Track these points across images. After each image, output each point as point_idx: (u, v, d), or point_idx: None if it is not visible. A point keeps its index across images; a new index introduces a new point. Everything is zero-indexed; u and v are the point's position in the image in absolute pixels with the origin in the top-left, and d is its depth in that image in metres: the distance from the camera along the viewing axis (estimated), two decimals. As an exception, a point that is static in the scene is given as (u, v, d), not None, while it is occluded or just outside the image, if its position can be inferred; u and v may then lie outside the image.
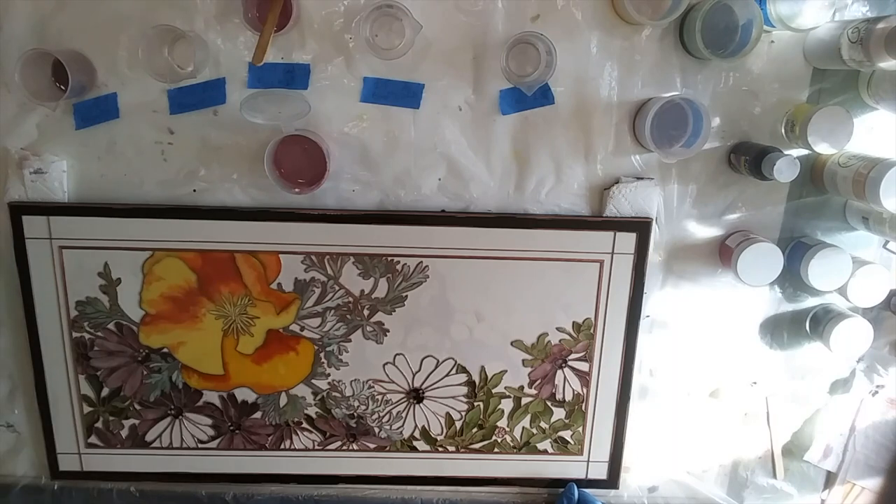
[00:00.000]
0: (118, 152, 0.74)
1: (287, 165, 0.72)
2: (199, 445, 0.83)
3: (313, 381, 0.81)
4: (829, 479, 0.87)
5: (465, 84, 0.72)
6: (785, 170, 0.68)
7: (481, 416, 0.83)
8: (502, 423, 0.83)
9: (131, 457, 0.83)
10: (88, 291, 0.77)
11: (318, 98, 0.72)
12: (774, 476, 0.87)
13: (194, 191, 0.75)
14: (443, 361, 0.81)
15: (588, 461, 0.85)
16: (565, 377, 0.81)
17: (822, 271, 0.73)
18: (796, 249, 0.76)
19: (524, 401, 0.82)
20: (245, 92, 0.72)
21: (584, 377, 0.81)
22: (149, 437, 0.82)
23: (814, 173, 0.75)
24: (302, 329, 0.79)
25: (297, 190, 0.72)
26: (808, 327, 0.80)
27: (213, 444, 0.83)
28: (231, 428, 0.83)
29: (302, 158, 0.71)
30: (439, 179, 0.76)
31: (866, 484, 0.86)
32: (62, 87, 0.70)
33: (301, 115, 0.70)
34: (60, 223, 0.74)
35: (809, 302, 0.81)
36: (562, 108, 0.73)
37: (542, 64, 0.69)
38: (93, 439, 0.82)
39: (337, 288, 0.77)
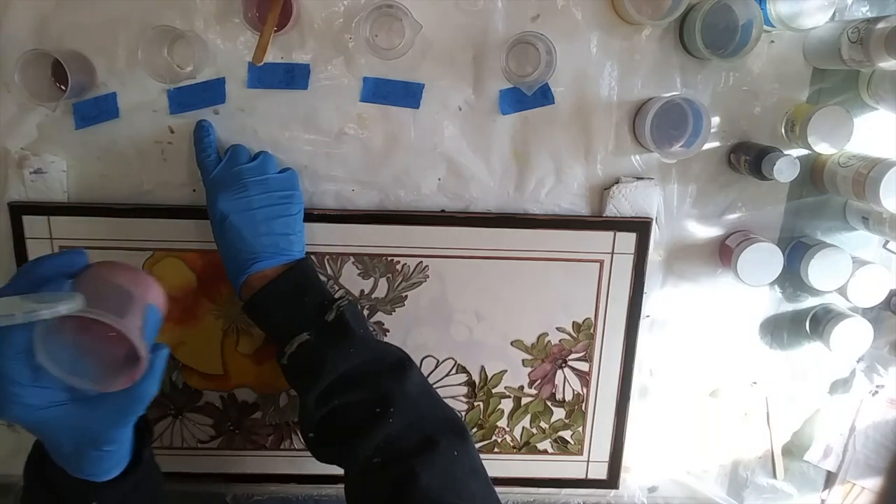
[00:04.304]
0: (118, 152, 0.73)
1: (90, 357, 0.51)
2: (199, 445, 0.83)
3: (313, 381, 0.81)
4: (829, 479, 0.87)
5: (465, 84, 0.72)
6: (785, 170, 0.68)
7: (481, 416, 0.83)
8: (502, 423, 0.83)
9: (131, 457, 0.83)
10: (88, 291, 0.77)
11: (318, 98, 0.72)
12: (774, 476, 0.87)
13: (194, 191, 0.75)
14: (443, 361, 0.81)
15: (588, 461, 0.85)
16: (565, 377, 0.81)
17: (822, 271, 0.73)
18: (796, 249, 0.76)
19: (524, 401, 0.82)
20: (245, 91, 0.72)
21: (584, 377, 0.81)
22: (149, 437, 0.82)
23: (814, 173, 0.75)
24: (302, 329, 0.79)
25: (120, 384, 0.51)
26: (808, 327, 0.80)
27: (213, 444, 0.83)
28: (231, 428, 0.83)
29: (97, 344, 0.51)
30: (439, 179, 0.76)
31: (866, 484, 0.86)
32: (62, 87, 0.70)
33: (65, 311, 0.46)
34: (60, 223, 0.74)
35: (809, 302, 0.81)
36: (562, 108, 0.73)
37: (542, 64, 0.69)
38: (93, 439, 0.82)
39: (337, 288, 0.77)
